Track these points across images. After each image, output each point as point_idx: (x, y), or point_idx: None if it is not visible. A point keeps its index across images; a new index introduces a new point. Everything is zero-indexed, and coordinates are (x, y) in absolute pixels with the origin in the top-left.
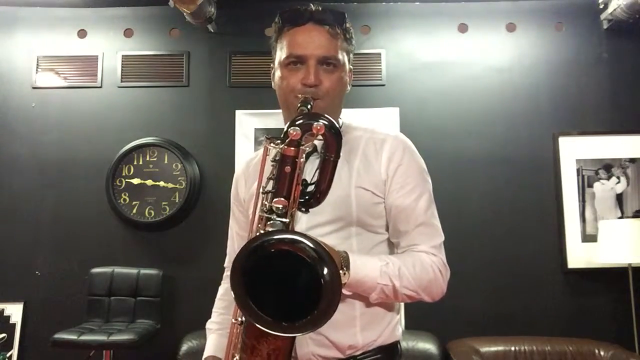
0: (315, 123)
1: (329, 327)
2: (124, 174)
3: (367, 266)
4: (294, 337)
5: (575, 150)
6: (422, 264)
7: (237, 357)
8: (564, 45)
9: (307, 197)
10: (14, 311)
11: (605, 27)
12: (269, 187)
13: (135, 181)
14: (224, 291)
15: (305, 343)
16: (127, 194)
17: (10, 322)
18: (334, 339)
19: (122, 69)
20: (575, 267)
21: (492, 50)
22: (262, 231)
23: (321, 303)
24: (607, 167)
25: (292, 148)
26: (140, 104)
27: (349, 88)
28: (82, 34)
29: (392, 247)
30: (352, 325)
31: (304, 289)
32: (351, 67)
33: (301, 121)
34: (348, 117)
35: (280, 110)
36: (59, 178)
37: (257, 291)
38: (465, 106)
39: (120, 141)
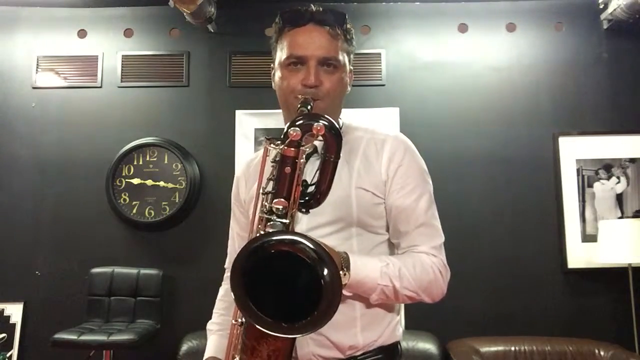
0: (316, 124)
1: (330, 327)
2: (124, 174)
3: (367, 267)
4: (294, 338)
5: (575, 150)
6: (422, 264)
7: (237, 358)
8: (563, 45)
9: (307, 198)
10: (14, 311)
11: (605, 27)
12: (269, 187)
13: (135, 181)
14: (225, 292)
15: (306, 343)
16: (127, 194)
17: (10, 322)
18: (334, 340)
19: (122, 69)
20: (575, 267)
21: (492, 50)
22: (262, 232)
23: (321, 304)
24: (607, 167)
25: (292, 149)
26: (140, 104)
27: (349, 89)
28: (82, 34)
29: (393, 247)
30: (352, 325)
31: (304, 289)
32: (352, 67)
33: (301, 122)
34: (348, 117)
35: (280, 111)
36: (59, 178)
37: (257, 292)
38: (465, 106)
39: (120, 141)
